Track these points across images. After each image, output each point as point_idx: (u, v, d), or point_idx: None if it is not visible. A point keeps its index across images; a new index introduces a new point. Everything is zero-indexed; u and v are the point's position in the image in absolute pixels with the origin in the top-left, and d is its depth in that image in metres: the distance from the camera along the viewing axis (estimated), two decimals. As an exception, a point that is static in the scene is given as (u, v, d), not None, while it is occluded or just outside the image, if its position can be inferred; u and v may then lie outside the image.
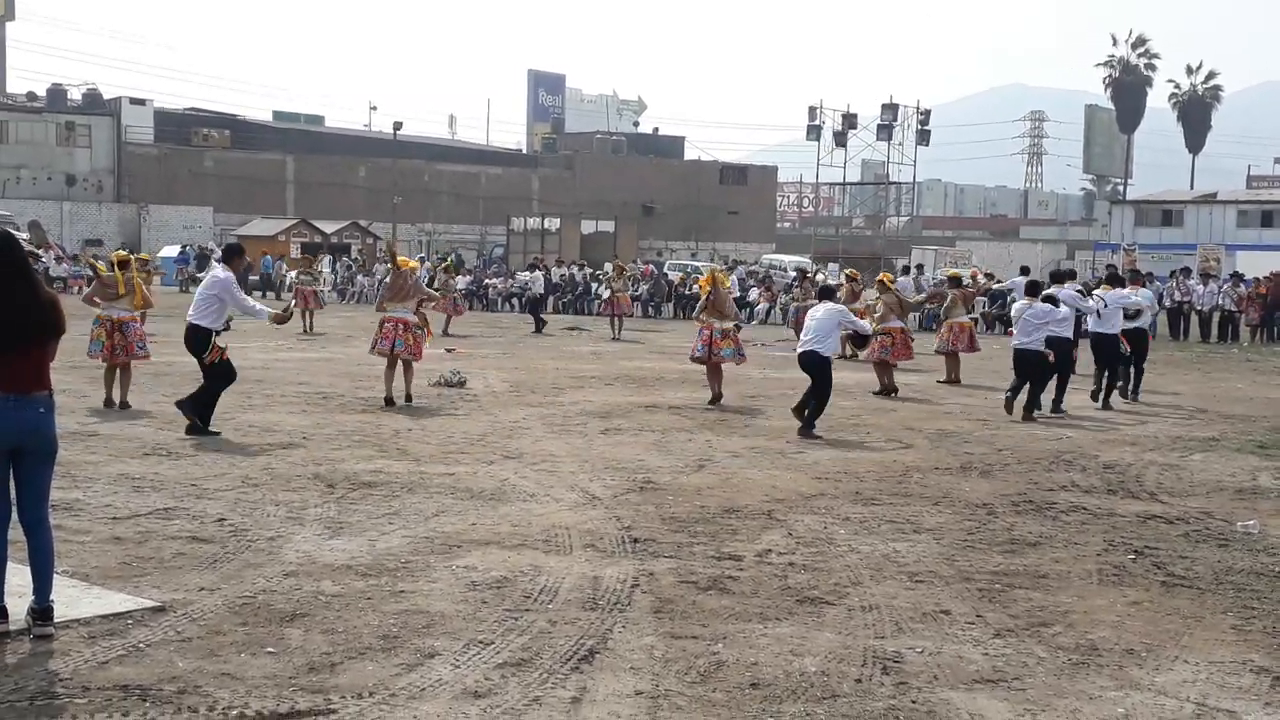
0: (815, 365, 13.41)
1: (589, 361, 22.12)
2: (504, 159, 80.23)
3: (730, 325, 16.15)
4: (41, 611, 5.96)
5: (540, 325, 29.99)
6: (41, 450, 6.01)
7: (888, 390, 17.29)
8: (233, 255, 12.98)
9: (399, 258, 15.93)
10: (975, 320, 21.38)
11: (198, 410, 12.17)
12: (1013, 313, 15.82)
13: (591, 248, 53.67)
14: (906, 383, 18.36)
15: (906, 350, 18.43)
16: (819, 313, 13.83)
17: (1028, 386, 15.09)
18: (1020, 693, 5.58)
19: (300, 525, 8.49)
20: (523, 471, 10.77)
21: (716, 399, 15.62)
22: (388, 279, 15.67)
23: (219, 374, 12.28)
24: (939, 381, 19.05)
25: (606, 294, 30.66)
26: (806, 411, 13.36)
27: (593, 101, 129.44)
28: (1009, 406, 15.11)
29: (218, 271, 12.83)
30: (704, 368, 16.21)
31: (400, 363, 14.82)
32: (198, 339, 12.14)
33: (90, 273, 15.36)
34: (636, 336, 28.79)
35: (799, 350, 13.92)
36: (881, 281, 19.75)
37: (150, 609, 6.42)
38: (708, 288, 16.13)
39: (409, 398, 14.76)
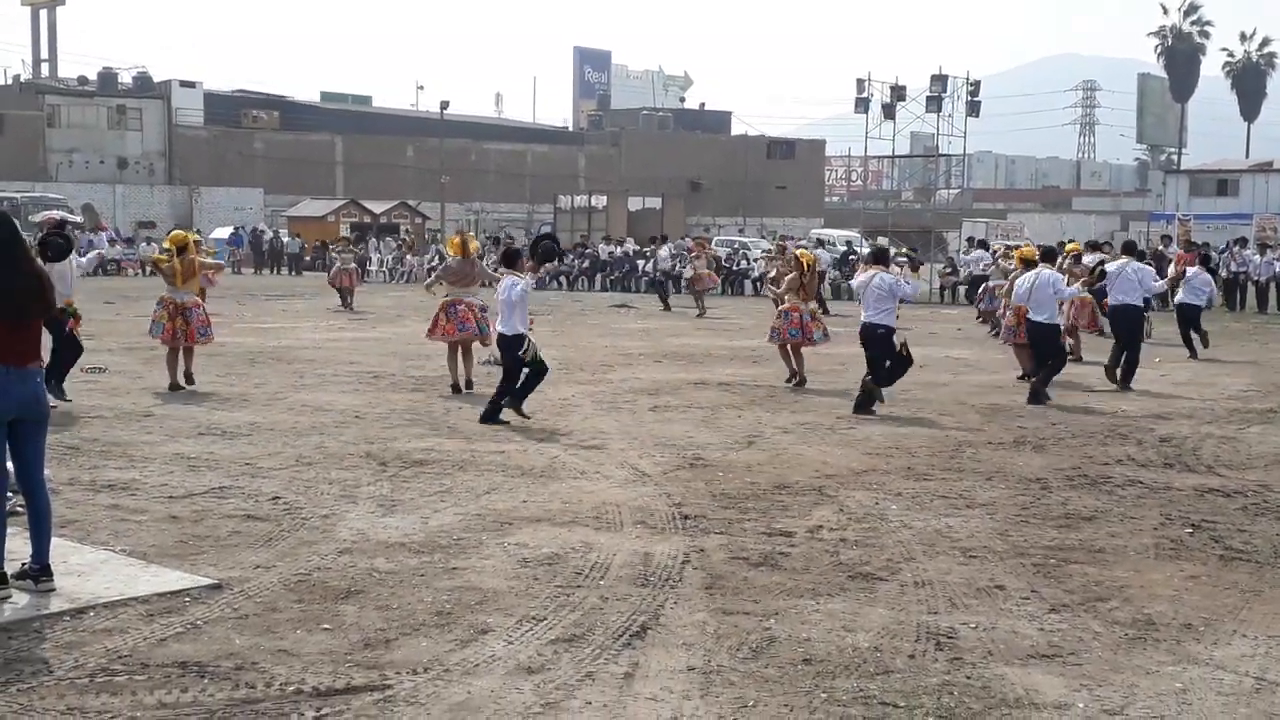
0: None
1: (637, 339, 22.12)
2: (550, 136, 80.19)
3: (814, 307, 16.01)
4: (44, 569, 6.27)
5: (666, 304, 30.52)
6: (39, 418, 6.32)
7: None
8: (515, 258, 12.79)
9: (473, 243, 15.64)
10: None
11: (517, 400, 12.31)
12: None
13: (639, 224, 53.56)
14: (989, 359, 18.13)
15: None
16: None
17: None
18: (1076, 668, 5.53)
19: (354, 503, 8.56)
20: (572, 449, 10.79)
21: (802, 381, 15.21)
22: (449, 263, 15.41)
23: (536, 371, 12.37)
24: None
25: (690, 273, 30.30)
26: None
27: (638, 77, 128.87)
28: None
29: (515, 280, 12.39)
30: (776, 348, 15.74)
31: (461, 348, 14.45)
32: (512, 343, 12.19)
33: (153, 268, 15.45)
34: (682, 312, 28.70)
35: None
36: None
37: (207, 586, 6.50)
38: (804, 265, 15.47)
39: (469, 384, 14.32)
